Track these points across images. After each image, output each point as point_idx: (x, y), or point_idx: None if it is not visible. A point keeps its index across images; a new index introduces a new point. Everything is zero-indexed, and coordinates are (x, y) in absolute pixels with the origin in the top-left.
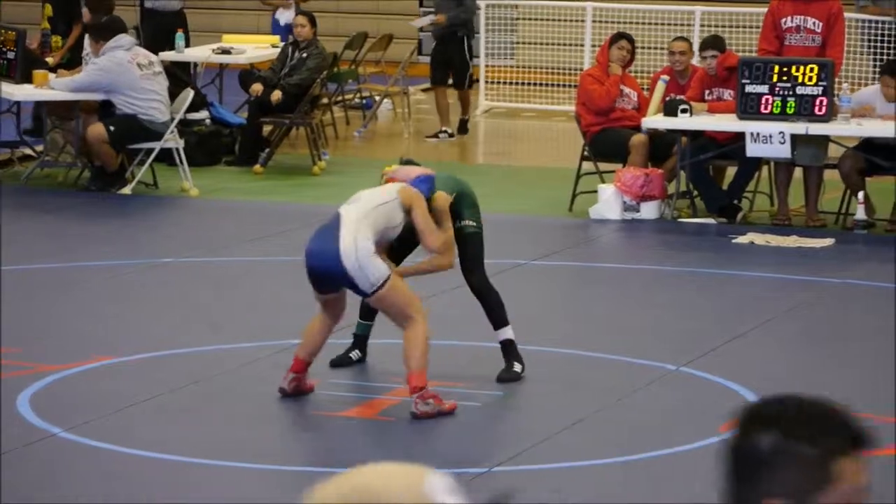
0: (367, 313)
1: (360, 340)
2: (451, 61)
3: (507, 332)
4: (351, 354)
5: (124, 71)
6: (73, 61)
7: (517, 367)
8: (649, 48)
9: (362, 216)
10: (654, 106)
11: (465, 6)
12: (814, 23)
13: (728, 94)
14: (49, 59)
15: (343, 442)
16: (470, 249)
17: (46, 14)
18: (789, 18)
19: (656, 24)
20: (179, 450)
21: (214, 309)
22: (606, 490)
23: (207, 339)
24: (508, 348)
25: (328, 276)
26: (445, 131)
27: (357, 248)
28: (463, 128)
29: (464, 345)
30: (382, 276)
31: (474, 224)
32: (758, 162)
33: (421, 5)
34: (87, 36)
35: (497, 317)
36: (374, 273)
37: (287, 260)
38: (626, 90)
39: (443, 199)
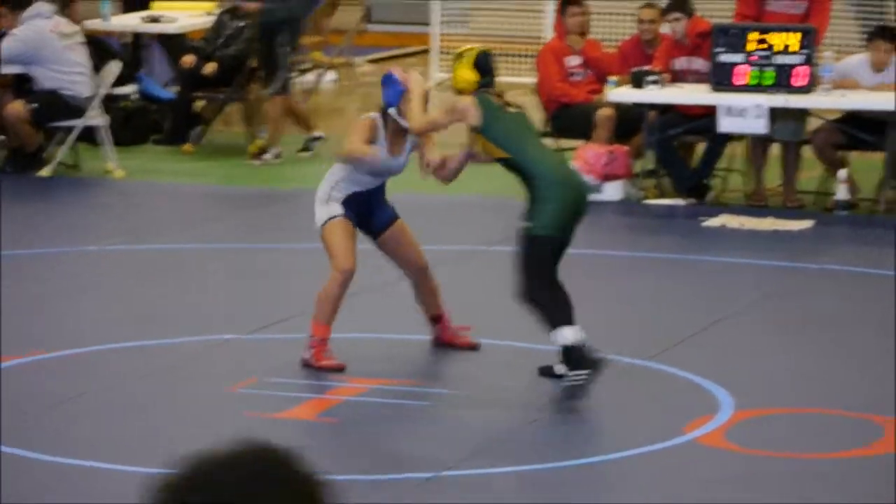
0: None
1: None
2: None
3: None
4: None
5: (46, 41)
6: None
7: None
8: (616, 14)
9: None
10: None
11: None
12: None
13: (699, 64)
14: None
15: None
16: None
17: None
18: None
19: None
20: (101, 455)
21: (142, 301)
22: (566, 495)
23: (135, 334)
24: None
25: None
26: (267, 150)
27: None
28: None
29: (412, 339)
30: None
31: (531, 225)
32: (727, 137)
33: None
34: None
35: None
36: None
37: (220, 247)
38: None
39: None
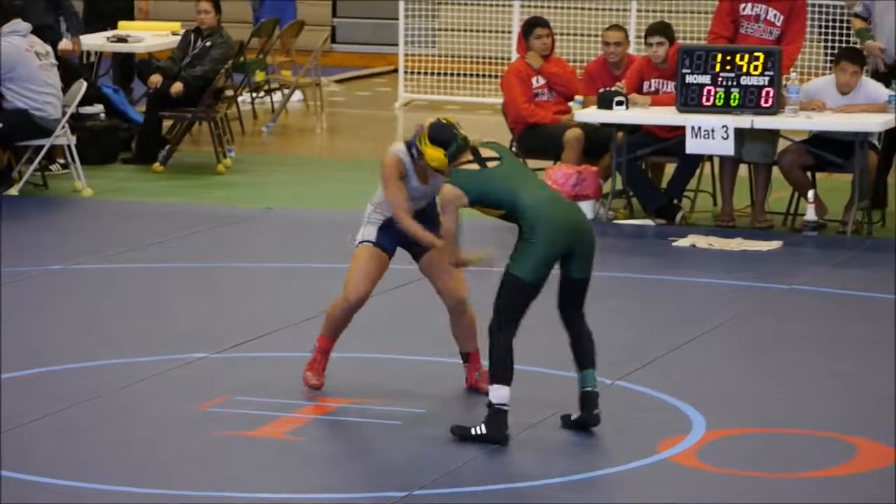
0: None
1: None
2: None
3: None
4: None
5: (24, 60)
6: None
7: (474, 430)
8: (581, 35)
9: None
10: None
11: None
12: (775, 15)
13: (672, 87)
14: None
15: (247, 465)
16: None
17: None
18: (749, 6)
19: (589, 8)
20: (70, 474)
21: (108, 320)
22: None
23: (101, 353)
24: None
25: None
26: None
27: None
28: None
29: (382, 357)
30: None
31: (511, 262)
32: (698, 159)
33: None
34: None
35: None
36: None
37: (189, 266)
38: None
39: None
